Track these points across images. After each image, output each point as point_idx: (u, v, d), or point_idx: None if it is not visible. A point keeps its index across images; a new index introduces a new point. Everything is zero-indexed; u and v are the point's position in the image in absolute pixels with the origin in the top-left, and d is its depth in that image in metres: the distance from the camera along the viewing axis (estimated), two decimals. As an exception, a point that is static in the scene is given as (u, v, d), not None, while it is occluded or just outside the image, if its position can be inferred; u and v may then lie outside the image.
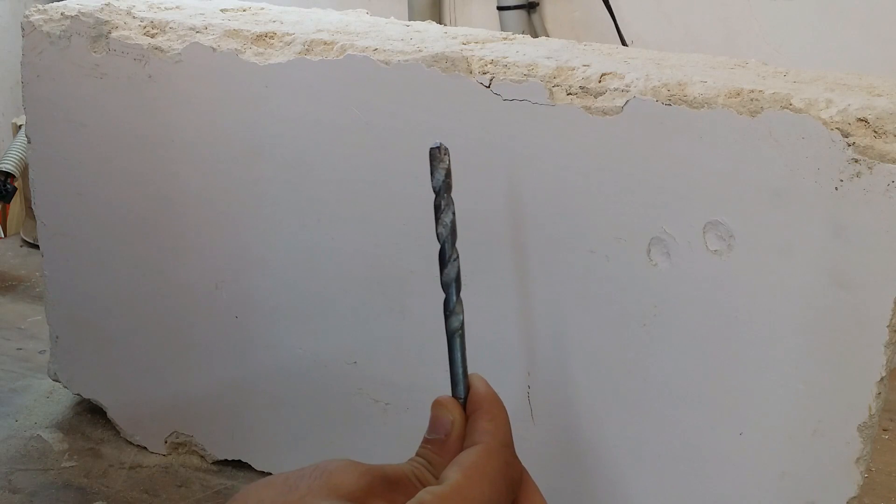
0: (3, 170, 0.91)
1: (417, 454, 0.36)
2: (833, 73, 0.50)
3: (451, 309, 0.38)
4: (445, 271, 0.38)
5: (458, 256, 0.38)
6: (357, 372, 0.55)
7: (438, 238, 0.38)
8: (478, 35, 0.56)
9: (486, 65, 0.49)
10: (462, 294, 0.38)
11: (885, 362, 0.44)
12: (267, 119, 0.53)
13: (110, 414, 0.62)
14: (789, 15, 1.03)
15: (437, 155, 0.37)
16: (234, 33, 0.54)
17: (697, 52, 0.56)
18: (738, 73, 0.50)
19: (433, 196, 0.37)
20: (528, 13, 1.15)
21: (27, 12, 0.58)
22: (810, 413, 0.46)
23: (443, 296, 0.38)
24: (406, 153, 0.50)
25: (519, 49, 0.52)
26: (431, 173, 0.37)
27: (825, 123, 0.43)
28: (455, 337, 0.38)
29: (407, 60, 0.49)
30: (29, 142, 0.61)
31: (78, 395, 0.64)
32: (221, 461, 0.60)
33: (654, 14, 1.10)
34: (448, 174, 0.37)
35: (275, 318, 0.57)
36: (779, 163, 0.43)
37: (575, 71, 0.48)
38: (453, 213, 0.37)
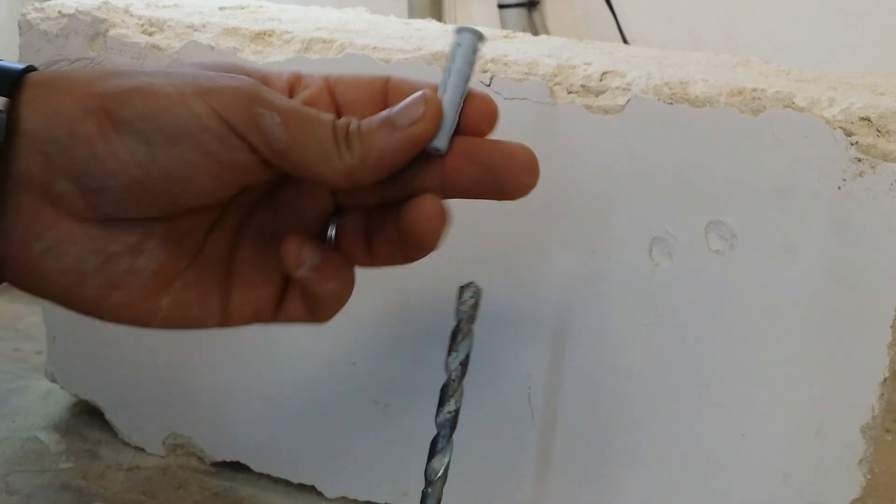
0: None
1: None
2: (836, 72, 0.50)
3: (439, 449, 0.38)
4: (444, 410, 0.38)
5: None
6: (357, 373, 0.55)
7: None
8: (478, 33, 0.56)
9: (487, 63, 0.48)
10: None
11: (888, 363, 0.44)
12: (265, 118, 0.52)
13: (108, 415, 0.62)
14: (791, 13, 1.03)
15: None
16: (232, 31, 0.53)
17: (699, 50, 0.56)
18: (740, 71, 0.49)
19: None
20: (529, 11, 1.15)
21: (24, 10, 0.57)
22: (813, 414, 0.45)
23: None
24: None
25: (519, 47, 0.52)
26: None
27: (828, 122, 0.42)
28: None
29: (407, 59, 0.49)
30: (26, 141, 0.60)
31: (75, 396, 0.64)
32: (220, 463, 0.59)
33: (656, 12, 1.10)
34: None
35: (273, 318, 0.56)
36: (781, 162, 0.43)
37: (576, 69, 0.47)
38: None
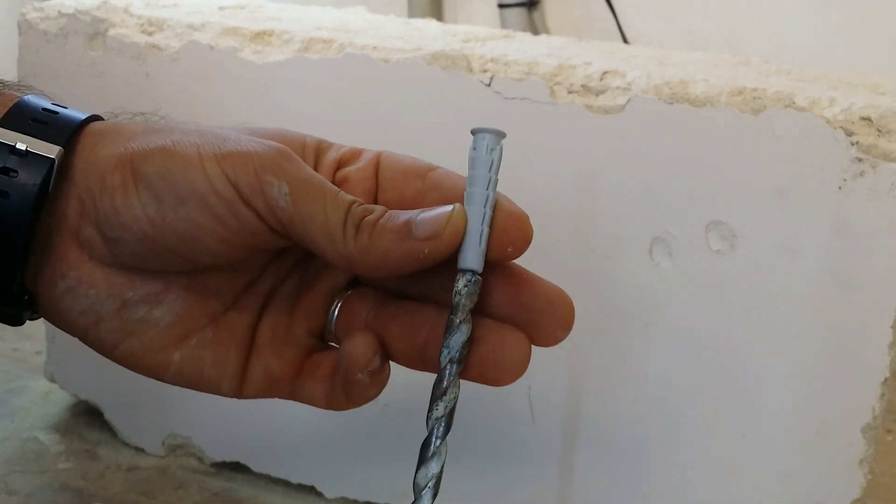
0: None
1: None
2: (836, 72, 0.50)
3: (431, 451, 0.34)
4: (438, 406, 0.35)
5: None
6: (356, 373, 0.55)
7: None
8: (478, 33, 0.55)
9: (487, 63, 0.48)
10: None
11: (888, 363, 0.44)
12: (265, 118, 0.52)
13: (107, 415, 0.62)
14: (792, 12, 1.03)
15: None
16: (231, 31, 0.53)
17: (699, 50, 0.56)
18: (740, 71, 0.49)
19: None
20: (529, 11, 1.15)
21: (23, 10, 0.57)
22: (813, 414, 0.45)
23: None
24: (404, 151, 0.50)
25: (519, 47, 0.52)
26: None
27: (828, 122, 0.42)
28: None
29: (406, 58, 0.49)
30: (25, 141, 0.60)
31: (74, 396, 0.64)
32: (219, 463, 0.59)
33: (656, 12, 1.10)
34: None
35: (273, 318, 0.56)
36: (782, 161, 0.43)
37: (576, 69, 0.47)
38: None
